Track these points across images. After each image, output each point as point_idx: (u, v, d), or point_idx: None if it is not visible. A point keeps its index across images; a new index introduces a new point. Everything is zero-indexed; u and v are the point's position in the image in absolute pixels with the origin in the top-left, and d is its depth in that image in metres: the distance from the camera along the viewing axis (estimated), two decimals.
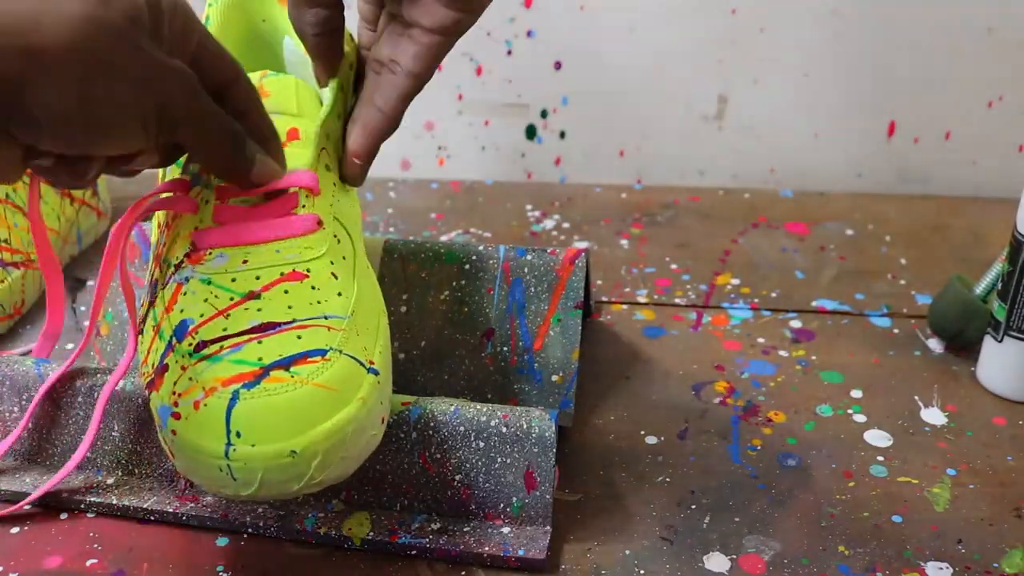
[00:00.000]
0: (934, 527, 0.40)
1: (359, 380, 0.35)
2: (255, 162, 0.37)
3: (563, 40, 0.75)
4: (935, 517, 0.41)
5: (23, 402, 0.43)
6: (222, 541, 0.40)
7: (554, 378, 0.46)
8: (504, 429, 0.39)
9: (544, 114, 0.78)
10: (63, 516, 0.42)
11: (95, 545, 0.40)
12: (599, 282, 0.60)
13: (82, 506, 0.42)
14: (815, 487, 0.42)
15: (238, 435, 0.32)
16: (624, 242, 0.66)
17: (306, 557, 0.39)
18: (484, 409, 0.40)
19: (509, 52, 0.76)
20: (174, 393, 0.34)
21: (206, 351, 0.34)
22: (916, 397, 0.49)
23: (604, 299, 0.58)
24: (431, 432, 0.40)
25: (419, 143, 0.80)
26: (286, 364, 0.33)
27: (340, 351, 0.35)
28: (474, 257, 0.48)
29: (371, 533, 0.39)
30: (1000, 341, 0.48)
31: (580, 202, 0.72)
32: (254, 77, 0.42)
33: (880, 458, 0.44)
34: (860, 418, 0.47)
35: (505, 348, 0.47)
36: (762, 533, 0.40)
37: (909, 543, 0.39)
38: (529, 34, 0.75)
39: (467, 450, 0.39)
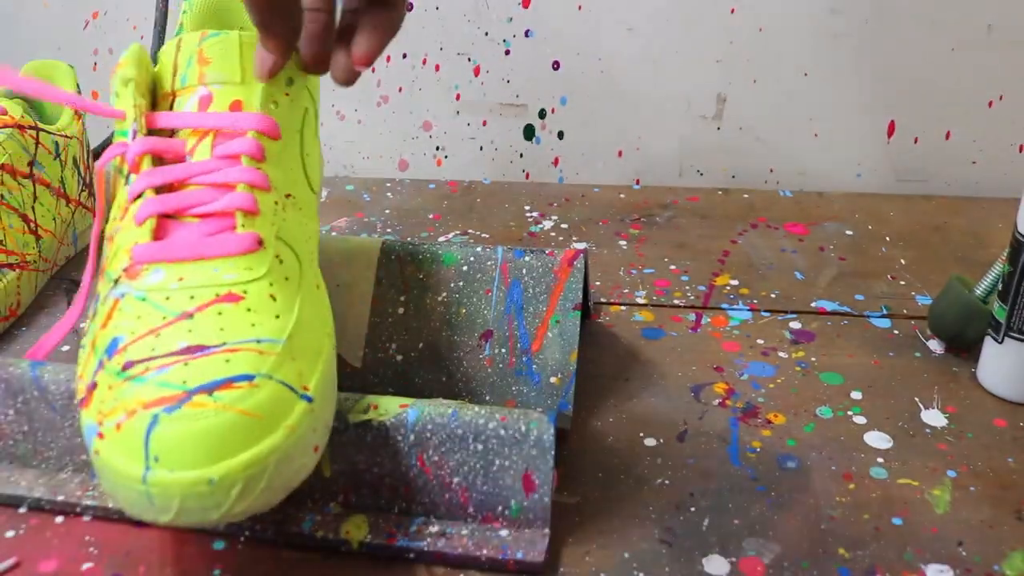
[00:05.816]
0: (934, 529, 0.40)
1: (288, 407, 0.33)
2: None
3: (561, 40, 0.75)
4: (935, 519, 0.41)
5: (18, 404, 0.43)
6: (218, 544, 0.40)
7: (552, 380, 0.46)
8: (502, 431, 0.39)
9: (542, 114, 0.78)
10: (59, 519, 0.41)
11: (91, 548, 0.40)
12: (597, 283, 0.60)
13: (78, 509, 0.41)
14: (815, 489, 0.42)
15: (156, 460, 0.31)
16: (623, 243, 0.66)
17: (303, 560, 0.39)
18: (482, 411, 0.39)
19: (507, 52, 0.76)
20: (100, 412, 0.33)
21: (132, 371, 0.33)
22: (916, 398, 0.48)
23: (602, 300, 0.58)
24: (429, 434, 0.39)
25: (417, 143, 0.80)
26: (210, 389, 0.32)
27: (270, 376, 0.33)
28: (472, 258, 0.48)
29: (369, 536, 0.39)
30: (1000, 342, 0.47)
31: (578, 202, 0.72)
32: (194, 37, 0.40)
33: (880, 460, 0.44)
34: (860, 420, 0.47)
35: (503, 350, 0.47)
36: (762, 536, 0.40)
37: (909, 545, 0.39)
38: (527, 34, 0.75)
39: (465, 452, 0.39)
